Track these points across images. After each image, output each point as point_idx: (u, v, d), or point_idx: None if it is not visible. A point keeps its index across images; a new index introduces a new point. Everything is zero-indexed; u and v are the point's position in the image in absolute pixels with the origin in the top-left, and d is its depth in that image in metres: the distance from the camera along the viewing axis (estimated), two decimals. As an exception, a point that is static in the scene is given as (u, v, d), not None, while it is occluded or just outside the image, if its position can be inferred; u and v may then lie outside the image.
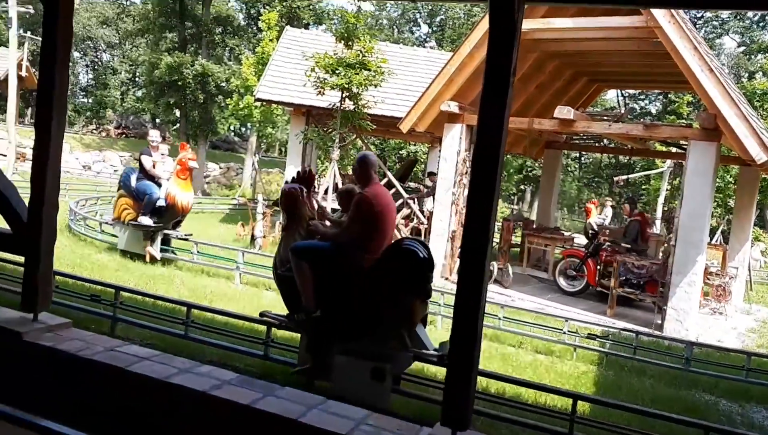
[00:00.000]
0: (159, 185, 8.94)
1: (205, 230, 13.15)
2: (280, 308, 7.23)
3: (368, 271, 4.38)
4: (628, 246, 10.23)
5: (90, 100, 42.55)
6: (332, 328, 4.46)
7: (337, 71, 12.72)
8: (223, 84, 25.70)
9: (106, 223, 9.83)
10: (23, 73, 24.24)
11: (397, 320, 4.33)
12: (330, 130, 13.52)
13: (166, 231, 9.05)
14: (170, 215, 8.93)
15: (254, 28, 31.43)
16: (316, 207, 5.02)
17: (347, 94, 12.95)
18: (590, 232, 13.05)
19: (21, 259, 3.75)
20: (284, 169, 15.81)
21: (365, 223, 4.41)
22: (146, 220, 8.77)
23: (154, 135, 9.62)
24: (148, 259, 8.83)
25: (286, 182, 5.51)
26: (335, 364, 4.36)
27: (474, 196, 3.17)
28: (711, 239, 16.01)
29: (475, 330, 3.23)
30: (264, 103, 17.93)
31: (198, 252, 9.11)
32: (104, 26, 42.52)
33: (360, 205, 4.41)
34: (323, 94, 13.09)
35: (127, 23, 39.36)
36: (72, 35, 3.74)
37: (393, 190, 15.26)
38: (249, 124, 26.73)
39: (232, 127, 32.95)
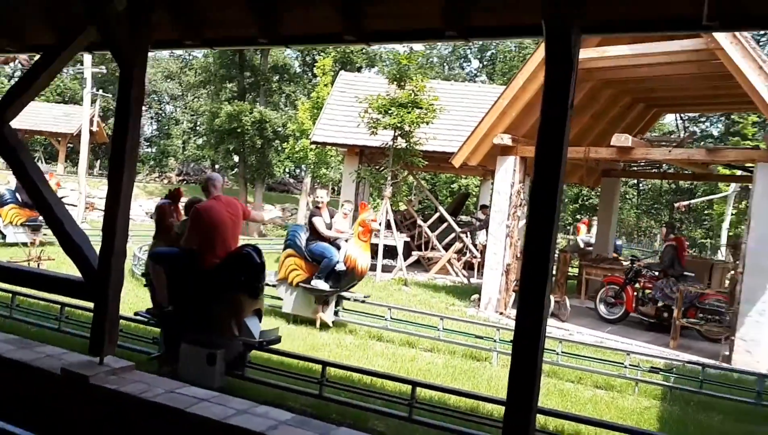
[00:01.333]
0: (338, 247, 8.29)
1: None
2: (333, 348, 7.33)
3: (209, 273, 5.15)
4: (671, 272, 10.03)
5: (154, 150, 44.83)
6: (180, 321, 5.28)
7: (389, 111, 13.02)
8: (280, 129, 26.59)
9: (271, 284, 8.67)
10: (94, 128, 25.92)
11: (227, 313, 5.14)
12: (382, 168, 13.76)
13: (343, 293, 8.49)
14: (348, 279, 8.22)
15: (309, 74, 32.57)
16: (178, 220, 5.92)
17: (399, 132, 13.21)
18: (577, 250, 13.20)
19: (87, 303, 4.02)
20: (338, 208, 16.11)
21: (200, 233, 5.23)
22: (322, 285, 8.05)
23: (321, 194, 8.90)
24: (318, 325, 8.15)
25: (161, 198, 6.57)
26: (180, 352, 5.13)
27: (532, 229, 3.16)
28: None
29: (534, 367, 3.19)
30: (319, 145, 18.46)
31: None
32: (168, 80, 45.03)
33: (193, 218, 5.29)
34: (376, 133, 13.39)
35: (190, 76, 41.57)
36: (143, 95, 4.09)
37: (445, 225, 15.31)
38: (304, 166, 27.45)
39: (287, 170, 33.98)
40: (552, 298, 10.55)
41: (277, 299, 8.79)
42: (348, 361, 6.85)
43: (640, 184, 31.77)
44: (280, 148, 26.77)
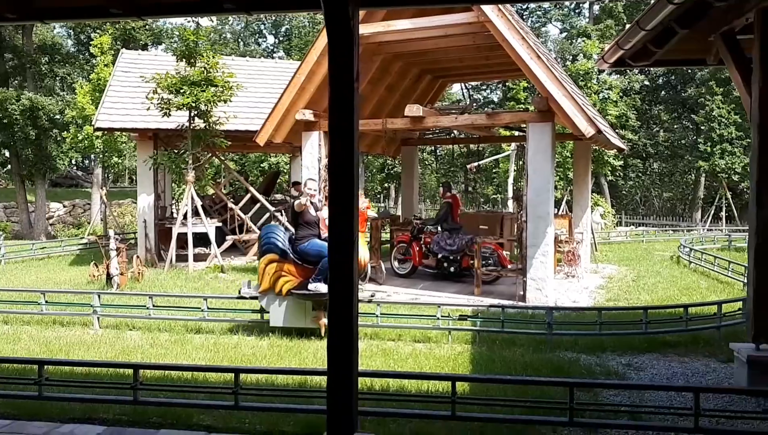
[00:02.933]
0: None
1: (54, 276, 12.05)
2: (147, 349, 6.83)
3: None
4: (439, 226, 11.21)
5: None
6: None
7: (181, 90, 12.25)
8: (57, 116, 23.62)
9: (248, 297, 7.63)
10: None
11: None
12: (182, 152, 12.96)
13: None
14: None
15: (86, 53, 29.27)
16: None
17: (196, 112, 12.53)
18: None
19: None
20: (137, 199, 14.91)
21: None
22: (323, 287, 7.00)
23: (312, 185, 7.60)
24: (324, 332, 7.19)
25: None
26: None
27: (334, 200, 3.18)
28: (557, 210, 17.52)
29: (350, 334, 3.26)
30: (105, 131, 16.81)
31: (46, 302, 8.27)
32: None
33: None
34: (169, 115, 12.55)
35: (-68, 60, 34.90)
36: None
37: (258, 205, 14.99)
38: (92, 156, 24.85)
39: (73, 161, 30.47)
40: (369, 263, 10.96)
41: (257, 313, 7.71)
42: (165, 359, 6.44)
43: (437, 150, 34.20)
44: (60, 138, 23.82)
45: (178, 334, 7.49)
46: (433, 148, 32.02)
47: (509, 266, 10.40)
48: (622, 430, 4.53)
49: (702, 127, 27.83)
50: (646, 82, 33.31)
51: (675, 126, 34.13)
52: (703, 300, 8.61)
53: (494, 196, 30.15)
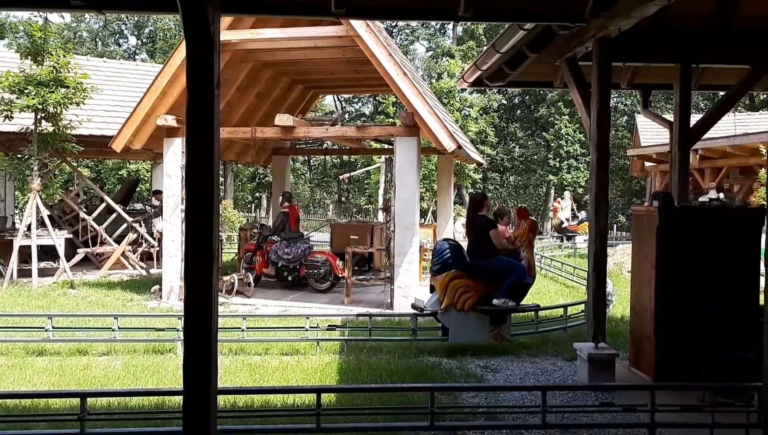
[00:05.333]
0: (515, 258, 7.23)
1: None
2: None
3: None
4: (277, 235, 11.38)
5: None
6: None
7: (26, 91, 11.16)
8: None
9: (423, 313, 7.38)
10: None
11: None
12: (26, 157, 11.79)
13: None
14: (527, 290, 7.37)
15: None
16: None
17: (43, 115, 11.46)
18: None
19: None
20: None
21: None
22: (511, 302, 7.08)
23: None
24: (500, 343, 7.22)
25: None
26: None
27: (191, 212, 3.04)
28: (424, 220, 18.21)
29: (208, 350, 3.12)
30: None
31: None
32: None
33: None
34: (12, 117, 11.38)
35: None
36: None
37: (114, 215, 14.01)
38: None
39: None
40: (235, 276, 10.64)
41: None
42: None
43: (311, 160, 34.15)
44: None
45: (17, 358, 6.75)
46: (306, 158, 31.93)
47: (341, 275, 10.68)
48: (479, 431, 4.77)
49: (552, 144, 30.38)
50: (504, 101, 35.73)
51: (529, 142, 36.91)
52: (552, 303, 9.34)
53: (366, 206, 30.67)
